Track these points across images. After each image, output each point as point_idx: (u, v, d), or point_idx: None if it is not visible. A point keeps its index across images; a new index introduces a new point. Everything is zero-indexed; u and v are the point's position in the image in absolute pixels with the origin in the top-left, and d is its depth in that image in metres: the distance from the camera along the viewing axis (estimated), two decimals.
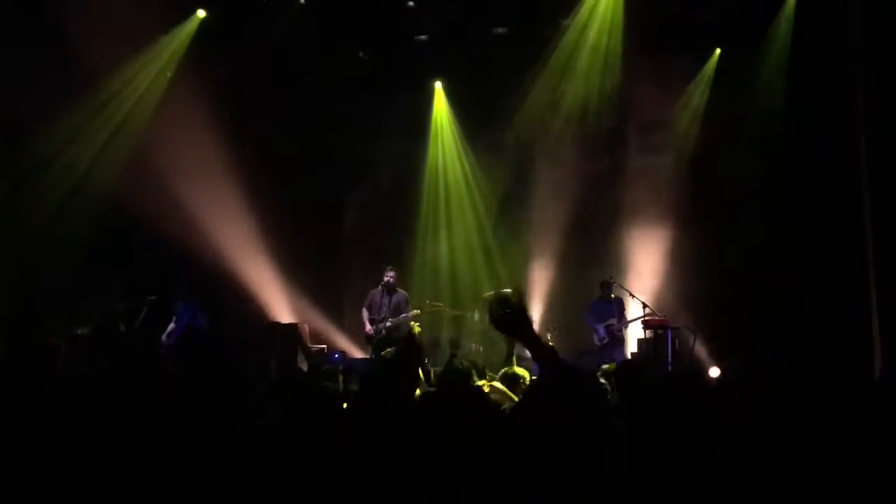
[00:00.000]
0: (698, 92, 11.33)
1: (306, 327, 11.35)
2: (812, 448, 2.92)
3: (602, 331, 10.42)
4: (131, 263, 10.62)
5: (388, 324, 9.94)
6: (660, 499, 2.57)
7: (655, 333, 10.07)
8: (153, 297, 9.84)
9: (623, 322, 10.40)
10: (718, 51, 11.22)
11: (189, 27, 11.14)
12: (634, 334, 10.78)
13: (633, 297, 10.33)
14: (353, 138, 12.65)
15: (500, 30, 11.50)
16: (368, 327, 10.08)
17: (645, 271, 11.18)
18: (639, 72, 11.14)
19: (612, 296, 10.50)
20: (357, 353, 11.35)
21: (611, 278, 10.57)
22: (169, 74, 11.19)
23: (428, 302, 10.96)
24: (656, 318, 10.17)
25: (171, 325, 9.80)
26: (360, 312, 10.45)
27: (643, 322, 10.22)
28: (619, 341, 10.47)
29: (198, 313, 9.81)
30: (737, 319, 10.19)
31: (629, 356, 10.34)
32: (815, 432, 3.08)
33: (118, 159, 10.60)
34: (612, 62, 11.33)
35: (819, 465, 2.80)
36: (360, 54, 12.25)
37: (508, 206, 12.11)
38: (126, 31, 9.96)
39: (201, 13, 11.13)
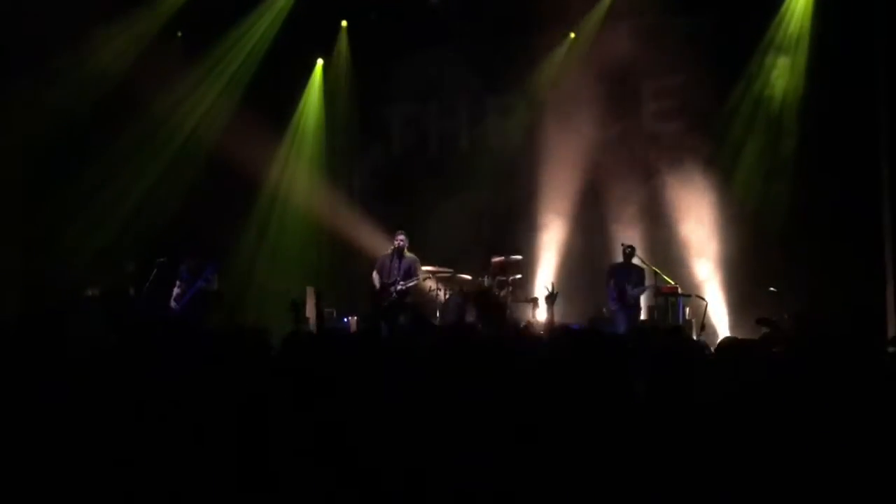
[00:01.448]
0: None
1: (314, 290, 11.32)
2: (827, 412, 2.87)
3: (610, 295, 10.26)
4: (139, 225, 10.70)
5: (400, 287, 9.90)
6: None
7: (667, 301, 10.05)
8: (163, 259, 9.75)
9: (636, 290, 10.17)
10: None
11: None
12: (645, 300, 10.72)
13: (645, 263, 10.23)
14: (363, 101, 12.58)
15: None
16: (378, 287, 10.09)
17: (658, 238, 11.06)
18: (654, 35, 10.94)
19: (634, 263, 10.26)
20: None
21: (631, 246, 10.35)
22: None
23: (437, 268, 10.92)
24: (667, 285, 10.13)
25: (177, 289, 9.60)
26: (371, 277, 10.41)
27: (654, 289, 10.15)
28: (632, 308, 10.22)
29: (208, 273, 9.66)
30: (752, 286, 10.14)
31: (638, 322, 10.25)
32: (830, 396, 3.03)
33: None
34: (629, 25, 11.16)
35: (832, 430, 2.76)
36: (372, 16, 12.14)
37: (519, 171, 11.97)
38: None
39: None
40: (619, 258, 10.38)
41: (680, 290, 10.14)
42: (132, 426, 2.90)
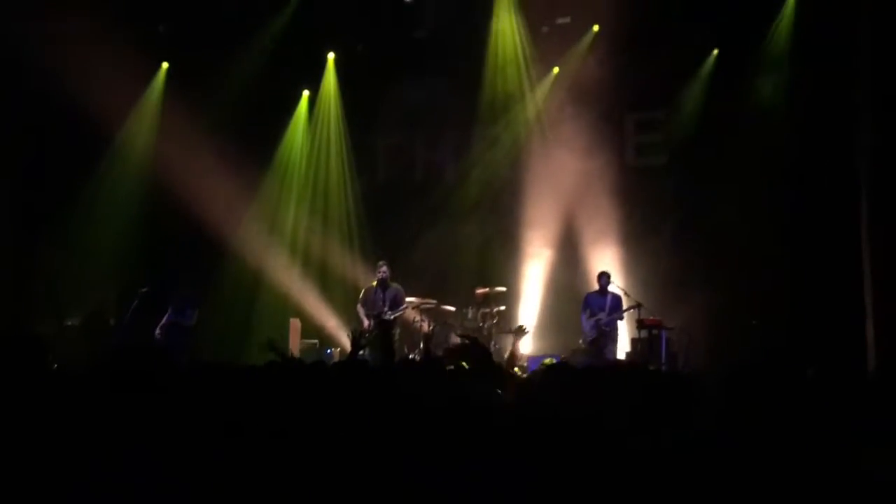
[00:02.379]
0: (695, 91, 11.26)
1: (298, 322, 11.29)
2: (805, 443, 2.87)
3: (587, 326, 10.18)
4: (124, 254, 10.66)
5: (388, 316, 9.83)
6: None
7: (650, 333, 10.04)
8: (145, 290, 9.74)
9: (611, 316, 10.09)
10: (716, 51, 11.15)
11: None
12: (627, 333, 10.74)
13: (628, 295, 10.25)
14: (350, 132, 12.67)
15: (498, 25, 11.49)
16: (367, 322, 9.99)
17: (640, 270, 11.10)
18: (636, 69, 11.11)
19: (609, 290, 10.25)
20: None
21: (606, 273, 10.33)
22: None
23: (421, 299, 10.90)
24: (650, 317, 10.11)
25: (165, 319, 9.70)
26: (356, 309, 10.35)
27: (637, 321, 10.10)
28: (609, 337, 10.13)
29: (188, 307, 9.71)
30: (731, 318, 10.20)
31: (622, 356, 10.25)
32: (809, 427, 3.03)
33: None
34: (609, 60, 11.34)
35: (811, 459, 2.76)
36: (359, 48, 12.25)
37: (504, 202, 12.03)
38: None
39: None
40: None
41: (663, 323, 10.13)
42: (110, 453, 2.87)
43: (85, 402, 3.15)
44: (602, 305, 10.14)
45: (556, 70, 11.91)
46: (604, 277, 10.24)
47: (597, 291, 10.30)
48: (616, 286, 10.28)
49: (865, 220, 9.40)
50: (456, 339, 10.66)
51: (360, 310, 10.19)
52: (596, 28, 11.42)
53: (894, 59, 8.97)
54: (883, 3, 9.22)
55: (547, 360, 5.64)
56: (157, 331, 9.63)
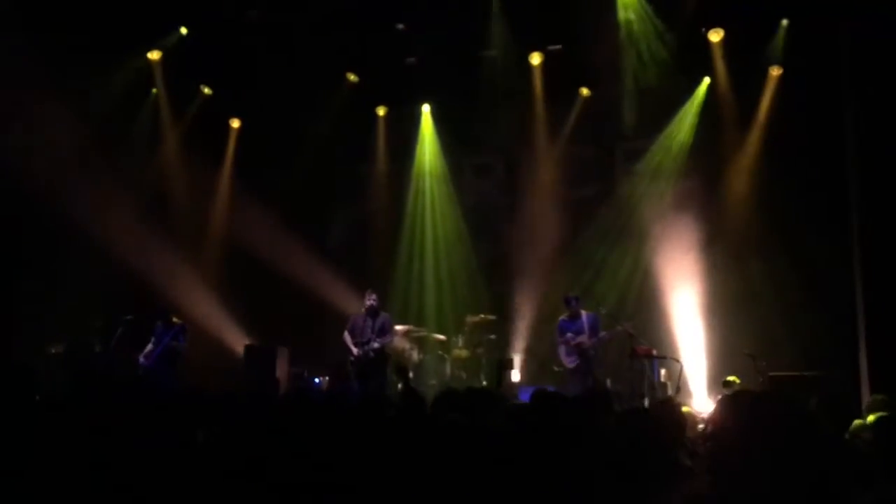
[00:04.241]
0: (686, 120, 11.30)
1: (286, 351, 11.14)
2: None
3: (563, 352, 9.72)
4: (108, 282, 10.51)
5: (376, 345, 9.68)
6: None
7: (643, 363, 9.92)
8: (129, 317, 9.62)
9: (594, 339, 9.57)
10: (707, 80, 11.21)
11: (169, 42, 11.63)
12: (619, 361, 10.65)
13: (619, 324, 9.96)
14: (339, 159, 12.62)
15: (489, 53, 11.51)
16: (355, 351, 9.83)
17: (630, 297, 11.04)
18: (627, 98, 11.16)
19: (582, 312, 9.74)
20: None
21: (575, 296, 9.87)
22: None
23: (411, 327, 10.79)
24: (642, 346, 9.97)
25: (150, 346, 9.54)
26: (343, 337, 10.19)
27: (630, 351, 9.95)
28: (594, 361, 9.62)
29: (179, 335, 9.58)
30: (721, 349, 10.16)
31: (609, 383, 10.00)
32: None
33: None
34: (601, 88, 11.38)
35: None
36: (349, 76, 12.24)
37: (495, 230, 11.99)
38: None
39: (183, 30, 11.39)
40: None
41: (655, 353, 10.03)
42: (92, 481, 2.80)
43: (69, 435, 3.09)
44: (579, 329, 9.63)
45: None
46: (573, 300, 9.76)
47: (568, 316, 9.77)
48: (607, 315, 10.04)
49: (858, 251, 9.42)
50: (446, 369, 10.61)
51: (347, 338, 10.03)
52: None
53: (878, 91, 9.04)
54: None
55: None
56: (143, 358, 9.45)
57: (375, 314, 9.85)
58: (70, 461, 2.89)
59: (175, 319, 9.66)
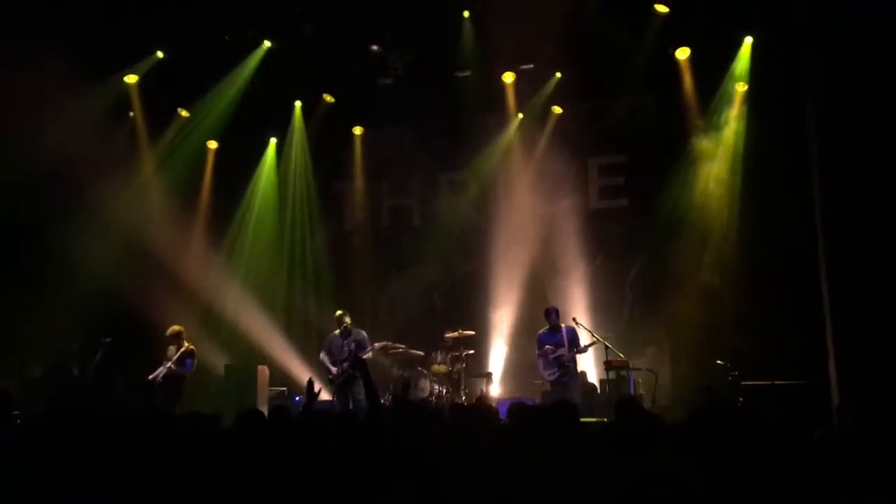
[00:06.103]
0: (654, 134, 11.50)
1: (266, 370, 11.17)
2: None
3: (542, 365, 9.68)
4: (86, 304, 10.50)
5: (366, 355, 9.72)
6: None
7: (618, 374, 10.03)
8: (108, 339, 9.62)
9: (572, 352, 9.57)
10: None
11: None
12: (596, 373, 10.79)
13: (595, 337, 9.98)
14: (317, 178, 12.75)
15: (463, 73, 11.70)
16: (334, 370, 9.91)
17: (605, 311, 11.21)
18: (598, 114, 11.38)
19: (562, 325, 9.74)
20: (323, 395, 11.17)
21: (554, 309, 9.89)
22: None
23: (388, 343, 10.87)
24: (617, 358, 10.07)
25: (161, 368, 9.48)
26: (321, 357, 10.27)
27: (605, 363, 10.07)
28: (572, 374, 9.65)
29: (187, 358, 9.55)
30: (694, 358, 10.31)
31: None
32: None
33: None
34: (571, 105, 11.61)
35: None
36: (325, 96, 12.39)
37: (471, 246, 12.13)
38: None
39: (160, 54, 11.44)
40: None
41: (630, 364, 10.16)
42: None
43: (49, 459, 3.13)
44: (559, 342, 9.61)
45: (520, 116, 12.12)
46: (553, 314, 9.77)
47: (548, 329, 9.77)
48: (582, 326, 10.10)
49: (825, 261, 9.63)
50: (426, 384, 10.68)
51: (325, 358, 10.11)
52: (558, 75, 11.67)
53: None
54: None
55: None
56: (151, 377, 9.36)
57: (348, 333, 9.96)
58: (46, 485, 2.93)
59: (187, 344, 9.64)
